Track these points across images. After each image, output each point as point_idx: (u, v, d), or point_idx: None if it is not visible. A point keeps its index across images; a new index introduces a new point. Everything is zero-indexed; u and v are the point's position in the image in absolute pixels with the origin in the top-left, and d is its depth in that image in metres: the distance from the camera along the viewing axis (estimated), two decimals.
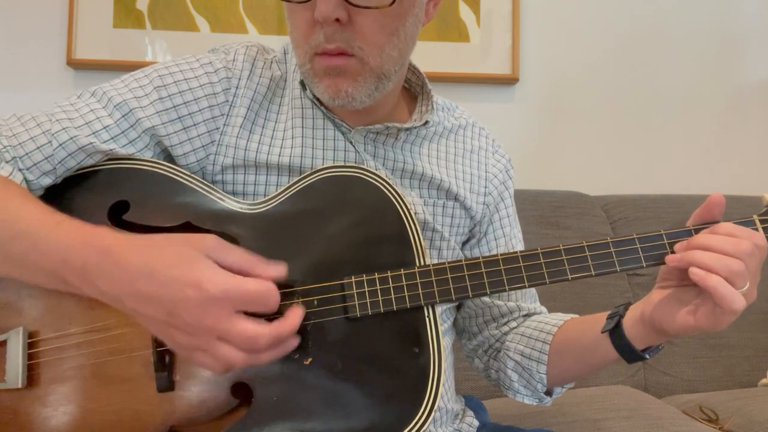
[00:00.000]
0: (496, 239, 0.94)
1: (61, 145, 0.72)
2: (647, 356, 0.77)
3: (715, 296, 0.65)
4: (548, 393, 0.89)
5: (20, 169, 0.71)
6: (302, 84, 0.81)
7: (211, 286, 0.57)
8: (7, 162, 0.71)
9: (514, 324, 0.94)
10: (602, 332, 0.78)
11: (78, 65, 1.68)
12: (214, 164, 0.79)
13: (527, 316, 0.94)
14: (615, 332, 0.77)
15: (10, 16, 1.68)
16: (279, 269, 0.63)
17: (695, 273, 0.66)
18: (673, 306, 0.70)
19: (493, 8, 1.81)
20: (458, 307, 0.97)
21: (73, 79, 1.70)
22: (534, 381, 0.87)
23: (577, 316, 0.90)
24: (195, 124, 0.78)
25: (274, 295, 0.60)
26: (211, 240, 0.61)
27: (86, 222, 0.64)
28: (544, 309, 0.97)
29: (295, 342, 0.63)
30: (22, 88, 1.68)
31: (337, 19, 0.69)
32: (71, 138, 0.72)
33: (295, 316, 0.62)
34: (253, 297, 0.59)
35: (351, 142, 0.82)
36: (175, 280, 0.57)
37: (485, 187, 0.92)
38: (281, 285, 0.69)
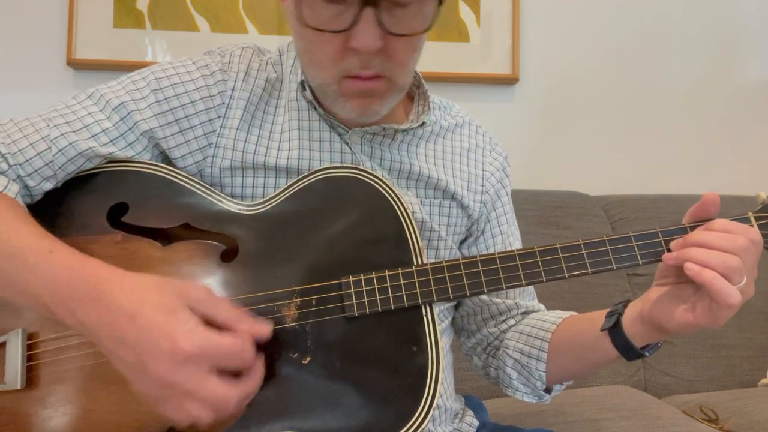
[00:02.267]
0: (493, 237, 0.94)
1: (60, 150, 0.72)
2: (646, 353, 0.77)
3: (711, 291, 0.65)
4: (547, 390, 0.89)
5: (20, 176, 0.71)
6: (302, 85, 0.81)
7: (185, 343, 0.57)
8: (2, 173, 0.70)
9: (512, 321, 0.94)
10: (601, 330, 0.78)
11: (78, 65, 1.68)
12: (212, 166, 0.79)
13: (525, 313, 0.94)
14: (614, 330, 0.77)
15: (10, 16, 1.68)
16: (264, 328, 0.64)
17: (690, 268, 0.66)
18: (672, 303, 0.70)
19: (493, 8, 1.81)
20: (456, 306, 0.97)
21: (73, 79, 1.70)
22: (533, 379, 0.87)
23: (575, 313, 0.90)
24: (192, 127, 0.78)
25: (248, 352, 0.61)
26: (200, 291, 0.61)
27: (78, 252, 0.64)
28: (542, 306, 0.97)
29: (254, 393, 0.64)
30: (22, 88, 1.68)
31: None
32: (70, 144, 0.72)
33: (258, 372, 0.63)
34: (227, 354, 0.59)
35: (347, 144, 0.82)
36: (153, 329, 0.58)
37: (482, 186, 0.92)
38: (280, 285, 0.70)
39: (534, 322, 0.89)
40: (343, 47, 0.70)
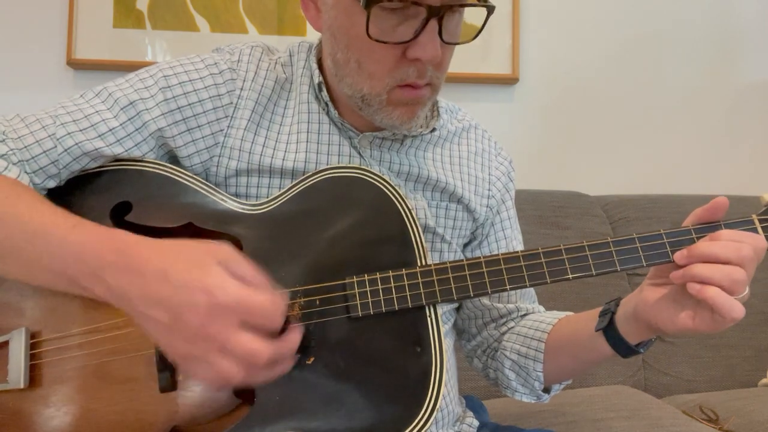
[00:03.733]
0: (497, 241, 0.95)
1: (66, 150, 0.72)
2: (641, 351, 0.77)
3: (714, 307, 0.65)
4: (546, 390, 0.90)
5: (27, 173, 0.71)
6: (319, 86, 0.80)
7: (221, 293, 0.57)
8: (14, 164, 0.70)
9: (512, 324, 0.94)
10: (596, 330, 0.78)
11: (78, 65, 1.68)
12: (218, 166, 0.79)
13: (525, 316, 0.95)
14: (608, 329, 0.77)
15: (10, 16, 1.68)
16: (284, 295, 0.62)
17: (692, 287, 0.66)
18: (670, 308, 0.70)
19: None
20: (458, 309, 0.97)
21: (73, 79, 1.69)
22: (531, 379, 0.87)
23: (571, 313, 0.91)
24: (199, 126, 0.78)
25: (280, 311, 0.60)
26: (225, 249, 0.61)
27: (101, 225, 0.64)
28: (541, 308, 0.97)
29: (290, 363, 0.63)
30: (22, 88, 1.67)
31: None
32: (77, 144, 0.72)
33: (294, 336, 0.62)
34: (261, 310, 0.58)
35: (356, 148, 0.82)
36: (187, 284, 0.57)
37: (489, 190, 0.92)
38: (283, 285, 0.70)
39: (530, 324, 0.90)
40: (400, 57, 0.71)
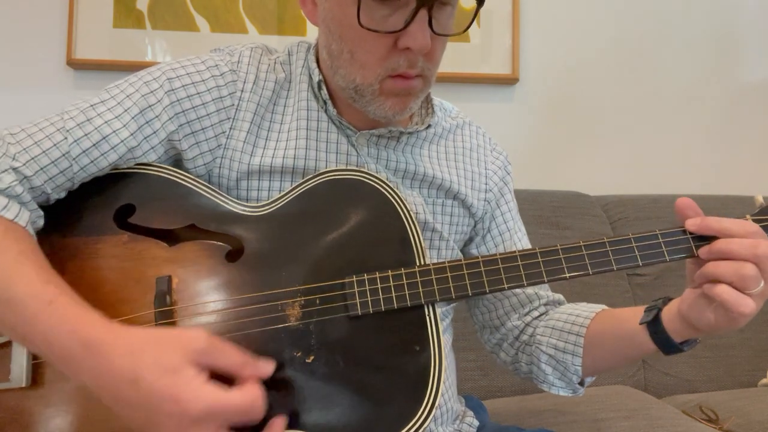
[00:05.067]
0: (501, 234, 0.95)
1: (82, 168, 0.72)
2: (684, 349, 0.77)
3: (722, 303, 0.67)
4: (581, 383, 0.90)
5: (28, 201, 0.69)
6: (319, 84, 0.81)
7: (192, 406, 0.55)
8: (16, 196, 0.68)
9: (536, 313, 0.94)
10: (640, 324, 0.79)
11: (78, 65, 1.68)
12: (220, 167, 0.79)
13: (548, 304, 0.95)
14: (653, 324, 0.78)
15: (10, 16, 1.68)
16: (268, 369, 0.63)
17: (705, 285, 0.69)
18: (701, 305, 0.71)
19: (493, 8, 1.81)
20: (474, 304, 0.97)
21: (73, 79, 1.69)
22: (569, 373, 0.87)
23: (606, 307, 0.90)
24: (203, 129, 0.78)
25: (258, 406, 0.59)
26: (201, 342, 0.59)
27: (79, 302, 0.62)
28: (560, 296, 0.97)
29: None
30: (22, 88, 1.67)
31: None
32: (92, 161, 0.73)
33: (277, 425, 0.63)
34: (238, 411, 0.58)
35: (353, 146, 0.82)
36: (156, 393, 0.56)
37: (485, 184, 0.93)
38: (284, 285, 0.70)
39: (566, 317, 0.89)
40: (391, 47, 0.72)
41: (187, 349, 0.58)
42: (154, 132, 0.76)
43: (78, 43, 1.67)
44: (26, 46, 1.68)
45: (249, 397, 0.59)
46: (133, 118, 0.75)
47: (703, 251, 0.71)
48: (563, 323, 0.89)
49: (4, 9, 1.68)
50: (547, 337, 0.89)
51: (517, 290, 0.93)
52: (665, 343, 0.77)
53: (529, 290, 0.94)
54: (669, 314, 0.76)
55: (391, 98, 0.76)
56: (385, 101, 0.76)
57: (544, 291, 0.96)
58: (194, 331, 0.60)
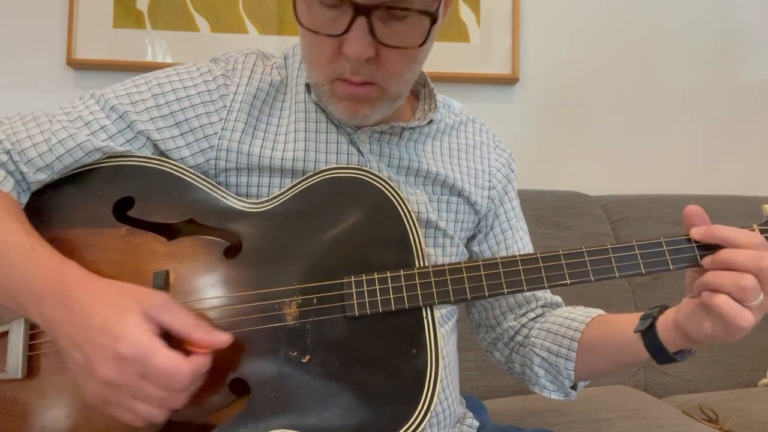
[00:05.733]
0: (503, 232, 0.95)
1: (60, 141, 0.73)
2: (678, 359, 0.77)
3: (720, 315, 0.66)
4: (573, 387, 0.90)
5: (17, 165, 0.73)
6: (307, 87, 0.81)
7: (122, 344, 0.58)
8: (9, 173, 0.72)
9: (532, 315, 0.94)
10: (635, 332, 0.78)
11: (78, 65, 1.68)
12: (215, 168, 0.80)
13: (546, 306, 0.95)
14: (648, 333, 0.77)
15: (10, 16, 1.68)
16: (222, 338, 0.63)
17: (704, 295, 0.68)
18: (699, 316, 0.71)
19: (493, 8, 1.81)
20: (471, 303, 0.97)
21: (73, 79, 1.69)
22: (561, 377, 0.87)
23: (602, 311, 0.90)
24: (192, 130, 0.79)
25: (181, 378, 0.59)
26: (157, 298, 0.62)
27: (58, 253, 0.66)
28: (558, 298, 0.97)
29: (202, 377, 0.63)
30: (22, 88, 1.68)
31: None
32: (70, 135, 0.74)
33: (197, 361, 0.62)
34: (159, 369, 0.58)
35: (354, 144, 0.82)
36: (101, 328, 0.59)
37: (489, 181, 0.93)
38: (282, 283, 0.70)
39: (561, 321, 0.89)
40: (337, 50, 0.71)
41: (142, 301, 0.61)
42: (132, 123, 0.77)
43: (78, 43, 1.67)
44: (26, 46, 1.68)
45: (176, 364, 0.59)
46: (111, 108, 0.77)
47: (707, 261, 0.70)
48: (558, 327, 0.88)
49: (4, 9, 1.68)
50: (542, 339, 0.89)
51: None
52: (659, 353, 0.76)
53: (528, 292, 0.93)
54: (665, 324, 0.76)
55: (343, 101, 0.75)
56: (337, 103, 0.76)
57: (543, 293, 0.95)
58: (156, 291, 0.64)
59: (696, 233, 0.71)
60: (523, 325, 0.93)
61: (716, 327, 0.68)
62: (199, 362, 0.62)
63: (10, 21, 1.68)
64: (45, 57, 1.68)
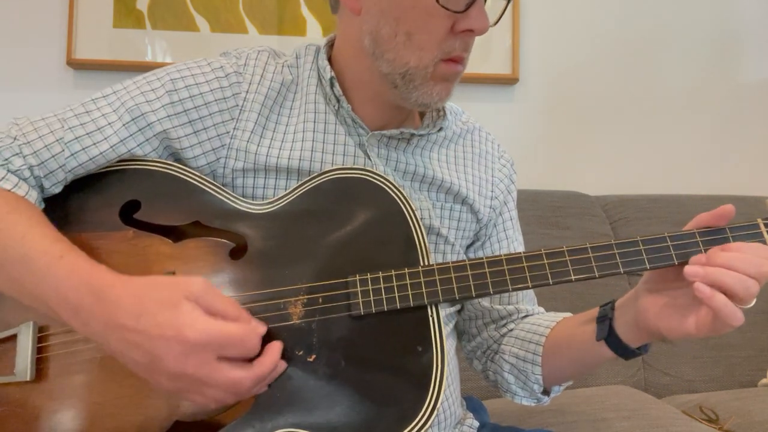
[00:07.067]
0: (499, 242, 0.95)
1: (72, 154, 0.73)
2: (643, 352, 0.77)
3: (718, 315, 0.65)
4: (545, 392, 0.90)
5: (37, 177, 0.73)
6: (331, 82, 0.81)
7: (190, 332, 0.59)
8: (24, 179, 0.72)
9: (512, 326, 0.94)
10: (597, 340, 0.78)
11: (78, 65, 1.68)
12: (224, 167, 0.79)
13: (525, 317, 0.94)
14: (610, 337, 0.77)
15: (10, 16, 1.68)
16: (260, 326, 0.65)
17: (702, 291, 0.65)
18: (672, 315, 0.70)
19: (493, 8, 1.81)
20: (459, 310, 0.97)
21: (73, 79, 1.69)
22: (530, 382, 0.87)
23: (569, 314, 0.90)
24: (205, 128, 0.79)
25: (254, 338, 0.62)
26: (197, 284, 0.62)
27: (87, 258, 0.66)
28: (542, 310, 0.97)
29: (281, 367, 0.66)
30: (22, 88, 1.67)
31: None
32: (83, 149, 0.74)
33: (273, 352, 0.65)
34: (233, 341, 0.61)
35: (362, 147, 0.82)
36: (157, 326, 0.59)
37: (492, 191, 0.93)
38: (287, 283, 0.70)
39: (529, 327, 0.90)
40: (449, 29, 0.74)
41: (186, 290, 0.61)
42: (149, 125, 0.76)
43: (78, 43, 1.67)
44: (26, 46, 1.68)
45: (244, 329, 0.61)
46: (127, 110, 0.76)
47: (698, 259, 0.68)
48: (525, 333, 0.89)
49: (4, 9, 1.67)
50: (510, 346, 0.90)
51: (501, 305, 0.93)
52: (624, 352, 0.76)
53: (512, 306, 0.94)
54: (624, 324, 0.76)
55: (440, 83, 0.78)
56: (434, 86, 0.78)
57: (527, 305, 0.95)
58: (193, 277, 0.64)
59: (696, 260, 0.68)
60: (501, 335, 0.94)
61: (703, 324, 0.67)
62: (261, 329, 0.64)
63: (10, 21, 1.68)
64: (45, 57, 1.68)
